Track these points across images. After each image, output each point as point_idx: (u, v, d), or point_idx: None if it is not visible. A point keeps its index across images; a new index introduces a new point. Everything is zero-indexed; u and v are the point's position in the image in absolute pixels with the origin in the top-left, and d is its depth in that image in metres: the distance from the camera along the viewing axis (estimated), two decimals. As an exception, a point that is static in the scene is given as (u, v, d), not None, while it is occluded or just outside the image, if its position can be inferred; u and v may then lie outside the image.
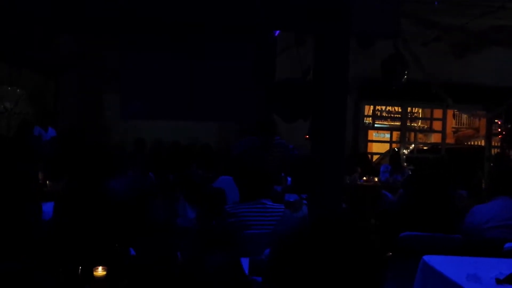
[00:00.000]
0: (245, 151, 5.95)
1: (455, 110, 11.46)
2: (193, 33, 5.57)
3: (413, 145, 11.57)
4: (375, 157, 11.39)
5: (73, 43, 8.38)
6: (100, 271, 2.21)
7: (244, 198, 3.54)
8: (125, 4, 4.09)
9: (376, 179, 7.93)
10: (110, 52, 7.61)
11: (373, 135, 12.90)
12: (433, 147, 11.83)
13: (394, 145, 11.20)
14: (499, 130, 10.34)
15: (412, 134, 12.68)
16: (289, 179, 6.15)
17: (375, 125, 12.25)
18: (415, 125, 13.63)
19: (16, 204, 2.70)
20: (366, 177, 7.97)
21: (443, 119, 10.78)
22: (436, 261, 2.99)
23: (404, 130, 11.04)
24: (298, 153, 6.14)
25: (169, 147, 7.05)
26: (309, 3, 3.98)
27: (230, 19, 4.38)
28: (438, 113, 11.07)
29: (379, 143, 12.82)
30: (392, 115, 13.60)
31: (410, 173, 8.14)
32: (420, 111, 13.44)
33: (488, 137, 10.82)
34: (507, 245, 3.31)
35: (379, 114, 12.28)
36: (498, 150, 10.55)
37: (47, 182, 4.78)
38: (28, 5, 4.08)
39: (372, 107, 11.25)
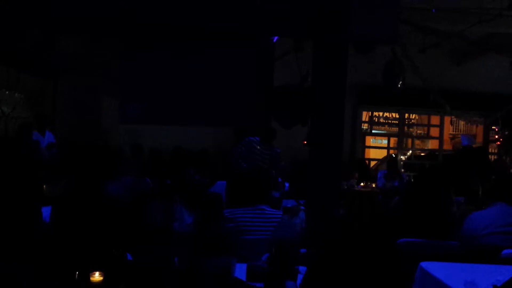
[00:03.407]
0: (243, 144, 6.27)
1: (453, 117, 11.49)
2: (192, 38, 5.58)
3: (410, 151, 11.59)
4: (372, 163, 11.39)
5: (72, 47, 8.38)
6: (96, 276, 2.20)
7: (241, 203, 3.53)
8: (126, 10, 4.10)
9: (373, 185, 7.94)
10: (109, 55, 7.61)
11: (370, 141, 12.91)
12: (431, 153, 11.85)
13: (391, 151, 11.21)
14: (496, 136, 10.37)
15: (410, 140, 12.70)
16: (286, 185, 6.17)
17: (373, 131, 12.27)
18: (413, 131, 13.65)
19: (18, 207, 2.69)
20: (363, 182, 7.97)
21: (441, 126, 10.80)
22: (433, 267, 2.99)
23: (401, 136, 11.06)
24: (283, 166, 6.58)
25: (171, 152, 7.05)
26: (308, 9, 4.00)
27: (229, 24, 4.39)
28: (435, 119, 11.10)
29: (376, 149, 12.84)
30: (390, 121, 13.61)
31: (407, 178, 8.15)
32: (417, 117, 13.46)
33: (485, 144, 10.84)
34: (504, 251, 3.31)
35: (376, 120, 12.31)
36: (495, 157, 10.57)
37: (44, 186, 4.76)
38: (27, 7, 4.09)
39: (369, 113, 11.27)
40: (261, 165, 6.25)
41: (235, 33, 5.11)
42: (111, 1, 4.10)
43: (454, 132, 15.38)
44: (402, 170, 9.80)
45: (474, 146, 9.39)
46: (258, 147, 6.34)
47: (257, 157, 6.31)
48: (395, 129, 11.89)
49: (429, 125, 12.33)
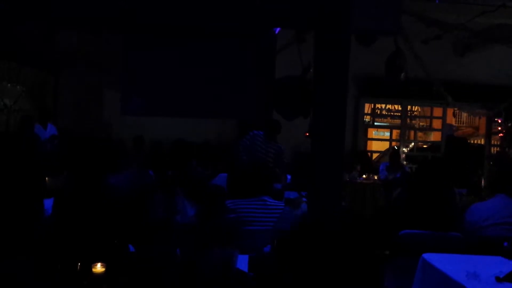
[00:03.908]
0: (248, 138, 6.21)
1: (455, 109, 11.44)
2: (194, 31, 5.56)
3: (412, 144, 11.57)
4: (374, 155, 11.38)
5: (73, 40, 8.37)
6: (98, 268, 2.20)
7: (243, 195, 3.52)
8: (126, 10, 4.09)
9: (375, 177, 7.94)
10: (110, 48, 7.60)
11: (372, 133, 12.89)
12: (433, 145, 11.82)
13: (393, 143, 11.19)
14: (499, 128, 10.33)
15: (412, 132, 12.67)
16: (288, 177, 6.16)
17: (375, 123, 12.25)
18: (415, 123, 13.62)
19: (19, 201, 2.69)
20: (365, 175, 7.97)
21: (443, 118, 10.76)
22: (435, 259, 2.99)
23: (403, 128, 11.03)
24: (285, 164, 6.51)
25: (173, 144, 7.05)
26: (309, 7, 3.97)
27: (230, 24, 4.38)
28: (438, 111, 11.05)
29: (378, 141, 12.80)
30: (392, 113, 13.58)
31: (409, 170, 8.14)
32: (420, 109, 13.44)
33: (488, 136, 10.81)
34: (507, 243, 3.30)
35: (378, 112, 12.27)
36: (498, 149, 10.54)
37: (46, 178, 4.76)
38: (28, 6, 4.08)
39: (372, 105, 11.24)
40: (264, 157, 6.20)
41: (234, 32, 5.11)
42: (111, 1, 4.10)
43: (456, 124, 15.34)
44: (405, 162, 9.79)
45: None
46: (262, 142, 6.29)
47: (260, 150, 6.27)
48: (398, 121, 11.87)
49: (431, 117, 12.29)
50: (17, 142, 3.13)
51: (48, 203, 3.11)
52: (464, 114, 14.21)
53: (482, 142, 11.86)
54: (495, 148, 10.74)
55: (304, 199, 4.21)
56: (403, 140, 10.95)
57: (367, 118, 11.20)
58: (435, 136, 13.14)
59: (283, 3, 4.09)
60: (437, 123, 11.35)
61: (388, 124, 13.66)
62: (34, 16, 4.56)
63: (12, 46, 7.54)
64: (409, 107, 11.49)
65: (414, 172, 6.14)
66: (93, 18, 4.61)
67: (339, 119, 4.00)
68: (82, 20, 4.86)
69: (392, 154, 8.66)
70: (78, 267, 2.18)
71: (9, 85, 8.30)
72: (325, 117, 4.03)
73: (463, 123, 15.42)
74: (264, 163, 5.76)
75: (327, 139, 4.00)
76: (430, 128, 13.29)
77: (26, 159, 3.02)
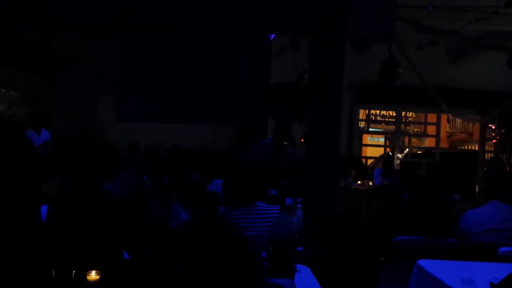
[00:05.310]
0: (259, 151, 6.19)
1: (449, 115, 11.49)
2: (190, 36, 5.57)
3: (407, 149, 11.61)
4: (369, 161, 11.40)
5: (69, 44, 8.36)
6: (93, 275, 2.19)
7: (238, 202, 3.51)
8: (126, 10, 4.09)
9: (370, 183, 7.95)
10: (106, 53, 7.59)
11: (367, 139, 12.92)
12: (427, 151, 11.87)
13: (388, 149, 11.22)
14: (493, 134, 10.38)
15: (406, 138, 12.71)
16: (284, 182, 6.16)
17: (370, 129, 12.28)
18: (409, 129, 13.67)
19: (18, 205, 2.68)
20: (360, 181, 7.98)
21: (437, 124, 10.81)
22: (430, 265, 2.99)
23: (398, 134, 11.07)
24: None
25: (168, 150, 7.04)
26: (308, 8, 3.99)
27: (229, 24, 4.39)
28: (432, 117, 11.11)
29: (373, 147, 12.84)
30: (387, 119, 13.64)
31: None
32: (414, 115, 13.50)
33: (482, 142, 10.86)
34: (501, 249, 3.31)
35: (373, 118, 12.31)
36: (492, 155, 10.59)
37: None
38: (27, 6, 4.07)
39: (366, 111, 11.27)
40: (276, 161, 6.17)
41: (235, 32, 5.12)
42: (111, 1, 4.10)
43: (450, 130, 15.42)
44: (399, 168, 9.81)
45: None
46: (271, 147, 6.30)
47: (273, 155, 6.27)
48: (392, 127, 11.91)
49: (426, 123, 12.34)
50: (17, 144, 3.11)
51: (42, 209, 3.09)
52: (458, 120, 14.29)
53: (476, 148, 11.92)
54: (489, 154, 10.79)
55: (299, 205, 4.21)
56: (397, 146, 10.98)
57: (361, 124, 11.24)
58: (429, 142, 13.19)
59: (283, 4, 4.11)
60: (431, 129, 11.39)
61: (382, 130, 13.71)
62: (34, 16, 4.56)
63: (8, 50, 7.52)
64: (403, 113, 11.53)
65: (403, 178, 6.16)
66: (93, 18, 4.62)
67: (334, 125, 4.02)
68: (82, 20, 4.85)
69: (385, 159, 8.69)
70: (73, 274, 2.17)
71: (3, 90, 8.27)
72: (321, 123, 4.05)
73: (457, 129, 15.51)
74: (257, 167, 5.75)
75: (322, 144, 4.01)
76: (424, 134, 13.34)
77: (26, 161, 3.01)
